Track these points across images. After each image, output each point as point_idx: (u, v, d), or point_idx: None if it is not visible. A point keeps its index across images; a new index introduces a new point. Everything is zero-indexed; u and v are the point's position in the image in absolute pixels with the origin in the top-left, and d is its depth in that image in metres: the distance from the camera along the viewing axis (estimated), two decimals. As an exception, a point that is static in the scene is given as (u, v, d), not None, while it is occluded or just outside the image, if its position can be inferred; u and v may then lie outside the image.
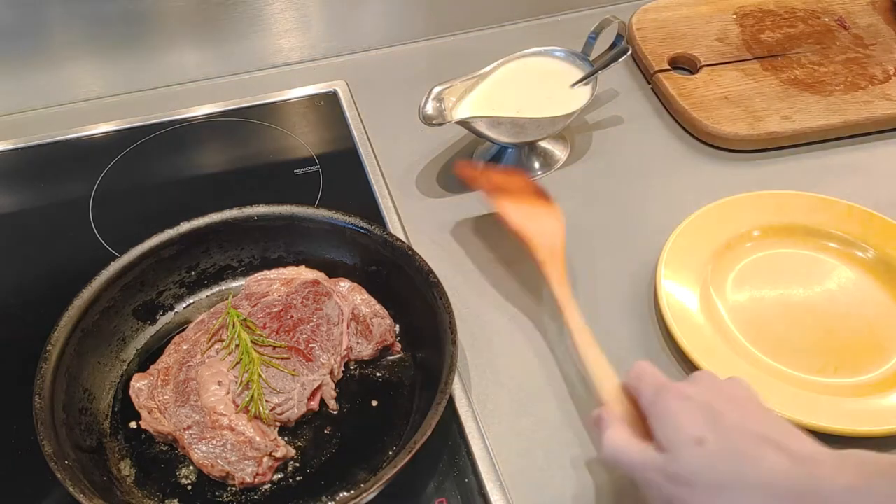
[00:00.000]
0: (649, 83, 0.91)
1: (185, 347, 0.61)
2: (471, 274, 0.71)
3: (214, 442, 0.55)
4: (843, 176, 0.80)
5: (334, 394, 0.60)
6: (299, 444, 0.58)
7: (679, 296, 0.66)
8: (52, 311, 0.67)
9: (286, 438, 0.58)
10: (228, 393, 0.57)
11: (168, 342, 0.63)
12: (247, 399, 0.56)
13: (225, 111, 0.88)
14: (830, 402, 0.59)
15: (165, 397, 0.58)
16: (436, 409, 0.53)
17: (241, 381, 0.57)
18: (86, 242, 0.73)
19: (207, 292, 0.68)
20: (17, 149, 0.84)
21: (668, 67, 0.90)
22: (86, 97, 0.89)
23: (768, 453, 0.43)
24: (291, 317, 0.62)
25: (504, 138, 0.77)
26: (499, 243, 0.73)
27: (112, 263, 0.62)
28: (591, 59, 0.82)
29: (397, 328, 0.64)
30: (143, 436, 0.58)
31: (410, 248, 0.64)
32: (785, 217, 0.72)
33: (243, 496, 0.55)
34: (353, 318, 0.63)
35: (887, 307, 0.67)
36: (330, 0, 0.92)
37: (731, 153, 0.82)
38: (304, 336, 0.61)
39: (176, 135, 0.85)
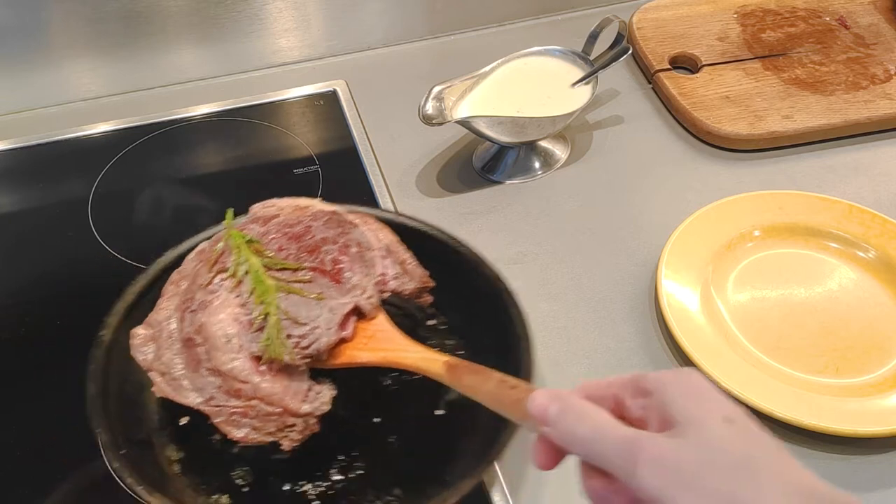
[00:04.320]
0: (650, 83, 0.91)
1: (183, 286, 0.53)
2: (471, 274, 0.71)
3: (246, 418, 0.48)
4: (844, 176, 0.80)
5: (377, 303, 0.52)
6: (361, 448, 0.54)
7: (680, 296, 0.66)
8: (51, 311, 0.68)
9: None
10: (242, 348, 0.48)
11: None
12: (263, 341, 0.47)
13: (224, 111, 0.87)
14: (832, 402, 0.59)
15: (174, 360, 0.50)
16: (510, 429, 0.49)
17: (257, 319, 0.48)
18: (85, 242, 0.73)
19: None
20: (15, 149, 0.83)
21: (669, 67, 0.89)
22: (84, 97, 0.89)
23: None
24: (313, 236, 0.52)
25: (504, 138, 0.76)
26: (499, 244, 0.73)
27: (167, 252, 0.60)
28: (591, 58, 0.82)
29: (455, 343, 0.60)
30: (194, 431, 0.54)
31: (477, 254, 0.60)
32: (786, 217, 0.72)
33: (298, 493, 0.53)
34: (388, 252, 0.55)
35: (888, 307, 0.67)
36: (329, -1, 0.92)
37: (731, 153, 0.82)
38: (330, 256, 0.51)
39: (175, 135, 0.85)
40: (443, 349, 0.55)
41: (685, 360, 0.63)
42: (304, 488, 0.54)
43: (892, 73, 0.88)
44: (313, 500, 0.53)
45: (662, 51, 0.91)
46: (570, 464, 0.58)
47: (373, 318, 0.51)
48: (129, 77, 0.90)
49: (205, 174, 0.82)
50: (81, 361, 0.63)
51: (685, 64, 0.91)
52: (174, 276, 0.56)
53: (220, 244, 0.52)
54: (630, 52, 0.81)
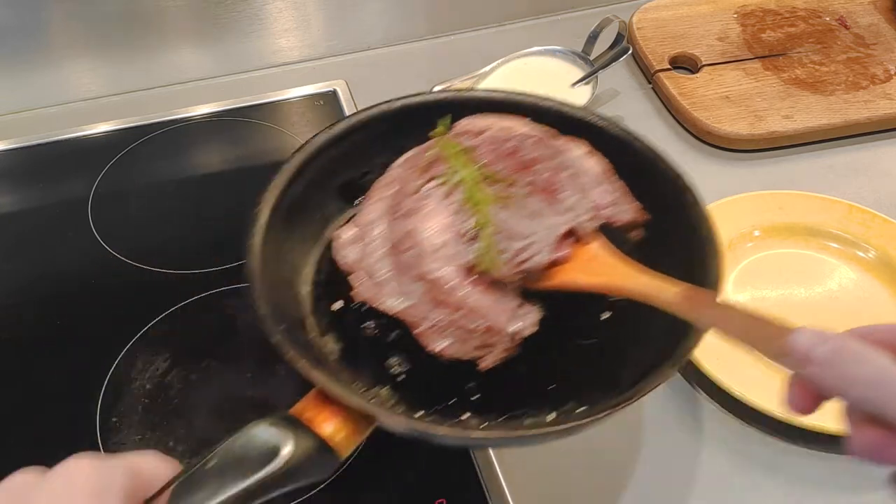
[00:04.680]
0: (650, 83, 0.91)
1: (392, 191, 0.52)
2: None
3: (448, 330, 0.47)
4: (844, 176, 0.80)
5: (596, 225, 0.49)
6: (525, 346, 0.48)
7: (680, 296, 0.66)
8: (51, 311, 0.68)
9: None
10: (452, 257, 0.47)
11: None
12: (477, 251, 0.45)
13: (224, 111, 0.87)
14: (831, 402, 0.59)
15: (380, 263, 0.49)
16: (696, 334, 0.45)
17: (470, 229, 0.46)
18: (84, 242, 0.73)
19: None
20: (15, 149, 0.83)
21: (669, 67, 0.89)
22: (84, 97, 0.89)
23: None
24: (525, 154, 0.50)
25: (504, 138, 0.76)
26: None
27: (322, 132, 0.58)
28: (591, 58, 0.82)
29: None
30: (346, 317, 0.53)
31: (655, 151, 0.56)
32: (786, 217, 0.72)
33: (454, 389, 0.50)
34: (601, 179, 0.52)
35: (889, 307, 0.67)
36: (329, -1, 0.92)
37: (731, 153, 0.82)
38: (544, 176, 0.49)
39: (175, 134, 0.85)
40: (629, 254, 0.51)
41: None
42: (462, 381, 0.51)
43: (892, 73, 0.88)
44: (473, 394, 0.50)
45: (662, 51, 0.91)
46: (571, 463, 0.58)
47: (588, 244, 0.48)
48: (129, 77, 0.90)
49: (205, 174, 0.82)
50: (81, 361, 0.63)
51: (685, 64, 0.91)
52: (382, 180, 0.54)
53: (431, 152, 0.50)
54: (630, 52, 0.81)
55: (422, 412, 0.49)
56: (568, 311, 0.51)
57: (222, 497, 0.37)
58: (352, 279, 0.51)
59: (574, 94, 0.79)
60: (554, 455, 0.58)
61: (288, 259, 0.55)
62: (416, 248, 0.47)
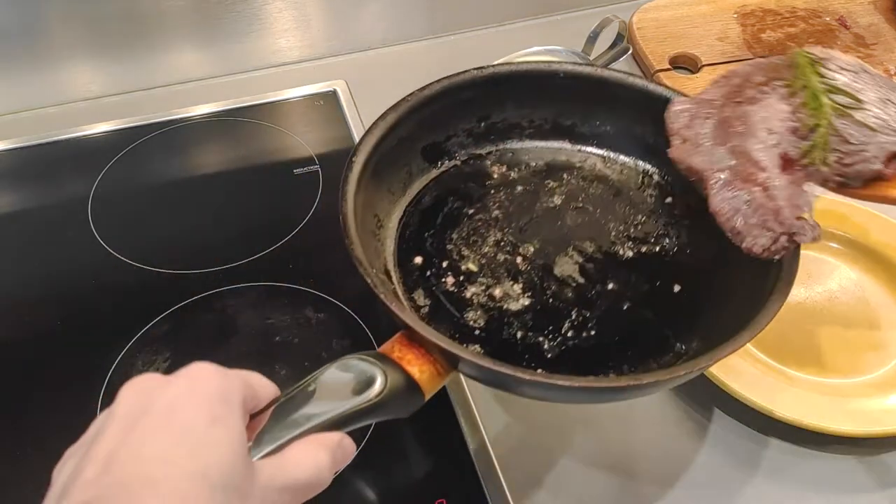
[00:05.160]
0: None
1: (735, 81, 0.55)
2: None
3: (739, 195, 0.50)
4: None
5: None
6: (596, 311, 0.55)
7: (680, 296, 0.66)
8: (50, 312, 0.68)
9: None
10: (778, 144, 0.51)
11: (442, 195, 0.62)
12: (807, 146, 0.50)
13: (224, 111, 0.87)
14: (832, 402, 0.59)
15: (704, 131, 0.53)
16: (779, 296, 0.48)
17: (804, 128, 0.50)
18: (84, 242, 0.73)
19: (491, 148, 0.65)
20: (15, 149, 0.83)
21: (669, 67, 0.89)
22: (84, 97, 0.89)
23: None
24: (869, 82, 0.54)
25: (504, 138, 0.76)
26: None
27: (414, 94, 0.60)
28: (591, 58, 0.82)
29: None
30: (428, 273, 0.57)
31: None
32: (786, 217, 0.72)
33: (529, 346, 0.53)
34: None
35: (888, 308, 0.67)
36: (329, -1, 0.92)
37: (731, 153, 0.82)
38: (884, 102, 0.52)
39: (175, 135, 0.85)
40: (694, 229, 0.59)
41: (685, 360, 0.63)
42: (538, 339, 0.54)
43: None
44: (547, 352, 0.53)
45: (662, 51, 0.91)
46: (571, 464, 0.58)
47: None
48: (129, 77, 0.90)
49: (205, 174, 0.82)
50: (81, 361, 0.63)
51: (685, 64, 0.91)
52: (726, 72, 0.57)
53: (782, 58, 0.54)
54: (630, 52, 0.81)
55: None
56: (640, 281, 0.57)
57: (319, 420, 0.40)
58: (672, 140, 0.55)
59: (574, 94, 0.80)
60: (554, 455, 0.58)
61: (376, 212, 0.58)
62: (746, 127, 0.51)
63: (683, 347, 0.54)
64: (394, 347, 0.46)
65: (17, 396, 0.62)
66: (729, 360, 0.61)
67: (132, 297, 0.69)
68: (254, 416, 0.39)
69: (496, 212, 0.62)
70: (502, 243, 0.60)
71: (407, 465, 0.57)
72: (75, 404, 0.60)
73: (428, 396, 0.46)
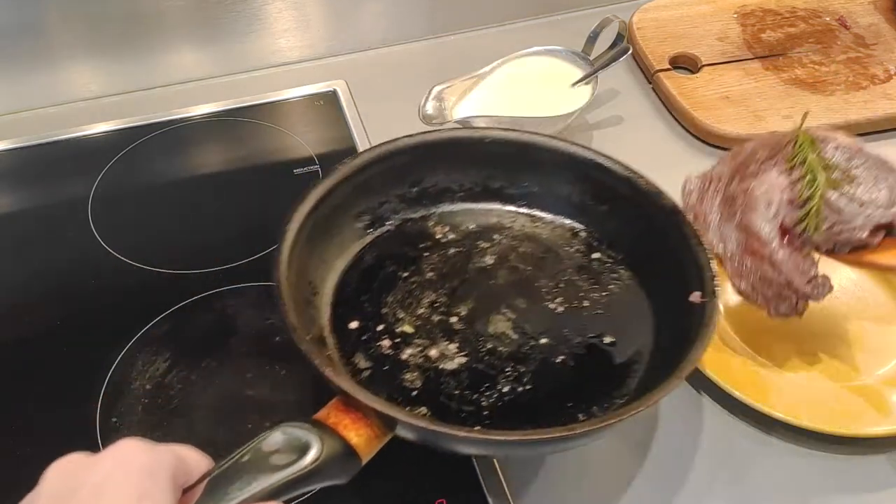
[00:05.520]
0: (650, 83, 0.91)
1: (741, 159, 0.60)
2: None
3: (753, 274, 0.56)
4: None
5: None
6: (531, 366, 0.57)
7: (680, 296, 0.66)
8: (50, 312, 0.68)
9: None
10: (776, 216, 0.56)
11: (376, 259, 0.63)
12: (802, 214, 0.55)
13: (224, 111, 0.87)
14: (832, 402, 0.59)
15: (713, 208, 0.59)
16: (701, 342, 0.51)
17: (800, 197, 0.56)
18: (84, 242, 0.73)
19: (423, 212, 0.67)
20: (15, 149, 0.83)
21: (669, 67, 0.89)
22: (84, 97, 0.89)
23: None
24: (863, 163, 0.58)
25: (504, 138, 0.76)
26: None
27: (349, 161, 0.62)
28: (591, 58, 0.82)
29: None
30: (364, 337, 0.58)
31: (655, 186, 0.62)
32: (786, 217, 0.72)
33: (466, 403, 0.54)
34: None
35: (888, 308, 0.67)
36: (329, -1, 0.92)
37: (731, 153, 0.82)
38: (875, 180, 0.57)
39: (175, 135, 0.85)
40: (622, 281, 0.63)
41: (685, 360, 0.63)
42: (475, 397, 0.55)
43: (892, 73, 0.88)
44: (484, 409, 0.54)
45: (662, 51, 0.91)
46: (571, 464, 0.58)
47: None
48: (129, 77, 0.90)
49: (205, 174, 0.82)
50: (81, 362, 0.63)
51: (685, 64, 0.91)
52: (734, 150, 0.62)
53: (784, 135, 0.60)
54: (630, 52, 0.81)
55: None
56: (573, 335, 0.59)
57: (254, 491, 0.40)
58: (686, 213, 0.60)
59: (574, 94, 0.79)
60: (554, 455, 0.58)
61: (309, 278, 0.59)
62: (747, 202, 0.57)
63: (621, 393, 0.55)
64: (329, 413, 0.46)
65: (17, 396, 0.62)
66: (729, 361, 0.61)
67: (132, 297, 0.69)
68: (186, 491, 0.38)
69: (430, 274, 0.63)
70: (437, 304, 0.61)
71: (407, 465, 0.57)
72: (75, 404, 0.60)
73: (365, 460, 0.46)
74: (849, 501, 0.56)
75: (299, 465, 0.42)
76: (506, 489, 0.56)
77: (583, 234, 0.66)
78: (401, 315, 0.60)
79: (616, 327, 0.60)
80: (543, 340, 0.59)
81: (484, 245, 0.66)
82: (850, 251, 0.56)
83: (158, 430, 0.59)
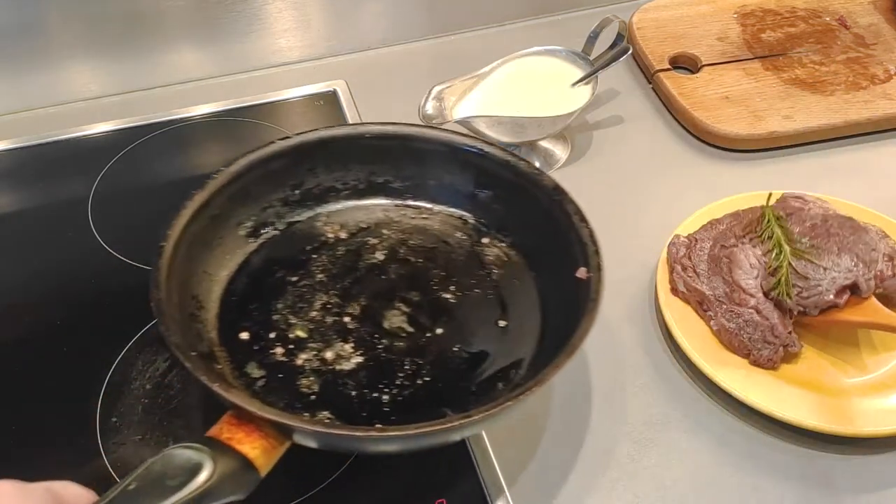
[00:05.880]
0: (650, 83, 0.91)
1: (720, 228, 0.67)
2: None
3: (739, 318, 0.61)
4: (844, 176, 0.80)
5: (872, 286, 0.61)
6: (428, 358, 0.57)
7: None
8: (50, 312, 0.68)
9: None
10: (757, 277, 0.62)
11: (263, 266, 0.62)
12: (774, 282, 0.61)
13: (224, 111, 0.87)
14: (832, 402, 0.59)
15: (700, 263, 0.64)
16: (590, 316, 0.52)
17: (769, 267, 0.62)
18: (85, 242, 0.73)
19: (308, 213, 0.66)
20: (15, 149, 0.83)
21: (669, 67, 0.89)
22: (84, 97, 0.89)
23: None
24: (827, 230, 0.63)
25: (504, 138, 0.76)
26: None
27: (223, 170, 0.61)
28: (591, 58, 0.82)
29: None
30: (256, 347, 0.57)
31: (535, 167, 0.62)
32: (786, 217, 0.72)
33: (366, 402, 0.54)
34: (890, 257, 0.63)
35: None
36: (329, -1, 0.92)
37: (731, 153, 0.82)
38: (838, 246, 0.62)
39: (175, 134, 0.85)
40: (511, 264, 0.63)
41: (685, 360, 0.63)
42: (375, 395, 0.55)
43: (892, 73, 0.88)
44: (385, 405, 0.54)
45: (662, 51, 0.91)
46: (571, 464, 0.58)
47: (865, 299, 0.61)
48: (129, 77, 0.90)
49: (205, 174, 0.82)
50: (81, 362, 0.63)
51: (685, 64, 0.91)
52: (711, 222, 0.69)
53: (755, 215, 0.67)
54: (630, 52, 0.81)
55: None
56: (467, 322, 0.60)
57: None
58: (671, 264, 0.66)
59: (574, 94, 0.79)
60: (554, 455, 0.58)
61: (194, 293, 0.58)
62: (732, 263, 0.64)
63: (518, 374, 0.56)
64: (222, 429, 0.46)
65: (17, 396, 0.62)
66: (727, 360, 0.61)
67: (132, 297, 0.68)
68: None
69: (320, 275, 0.62)
70: (329, 306, 0.60)
71: (407, 465, 0.57)
72: (75, 404, 0.60)
73: (264, 473, 0.46)
74: (849, 501, 0.56)
75: (191, 486, 0.41)
76: (506, 489, 0.56)
77: (471, 221, 0.66)
78: (292, 320, 0.59)
79: (509, 310, 0.60)
80: (439, 331, 0.59)
81: (373, 241, 0.65)
82: (820, 313, 0.61)
83: (158, 429, 0.59)
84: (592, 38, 0.82)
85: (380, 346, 0.58)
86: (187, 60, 0.91)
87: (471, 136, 0.65)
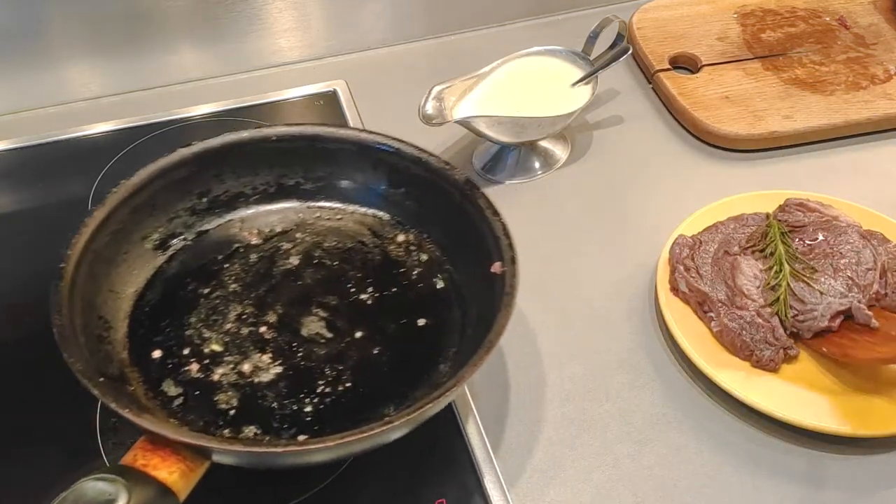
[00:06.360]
0: (650, 83, 0.91)
1: (725, 232, 0.67)
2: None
3: (742, 318, 0.61)
4: (844, 176, 0.80)
5: (870, 314, 0.61)
6: (349, 363, 0.57)
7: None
8: (50, 312, 0.68)
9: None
10: (759, 287, 0.63)
11: (173, 279, 0.61)
12: (773, 298, 0.62)
13: (224, 111, 0.87)
14: (832, 402, 0.59)
15: (703, 265, 0.64)
16: (506, 311, 0.51)
17: (769, 283, 0.63)
18: (84, 242, 0.73)
19: (218, 221, 0.65)
20: (15, 149, 0.83)
21: (669, 67, 0.89)
22: (84, 97, 0.89)
23: None
24: (824, 251, 0.64)
25: (504, 138, 0.76)
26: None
27: (123, 183, 0.59)
28: (591, 58, 0.82)
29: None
30: (170, 364, 0.56)
31: (446, 162, 0.62)
32: (786, 217, 0.72)
33: (288, 414, 0.54)
34: (882, 273, 0.64)
35: (889, 307, 0.67)
36: (329, -1, 0.92)
37: (731, 153, 0.82)
38: (834, 267, 0.63)
39: (175, 134, 0.85)
40: (428, 261, 0.63)
41: (685, 360, 0.63)
42: (296, 406, 0.54)
43: (892, 73, 0.88)
44: (307, 415, 0.54)
45: (662, 51, 0.91)
46: (570, 464, 0.58)
47: (860, 323, 0.61)
48: (129, 77, 0.90)
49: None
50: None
51: (685, 64, 0.91)
52: (715, 224, 0.69)
53: (759, 227, 0.68)
54: (630, 52, 0.81)
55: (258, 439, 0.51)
56: (387, 323, 0.59)
57: None
58: (674, 265, 0.66)
59: (574, 94, 0.79)
60: (554, 455, 0.58)
61: (101, 314, 0.56)
62: (734, 270, 0.64)
63: (440, 372, 0.56)
64: (136, 456, 0.44)
65: (17, 396, 0.62)
66: (727, 360, 0.61)
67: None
68: None
69: (233, 286, 0.61)
70: (244, 316, 0.59)
71: (407, 465, 0.57)
72: (75, 405, 0.60)
73: (183, 497, 0.44)
74: (849, 501, 0.56)
75: None
76: (505, 489, 0.56)
77: (385, 218, 0.66)
78: (207, 334, 0.58)
79: (427, 308, 0.60)
80: (359, 334, 0.58)
81: (287, 246, 0.64)
82: (813, 336, 0.62)
83: (158, 430, 0.59)
84: (592, 38, 0.82)
85: (299, 355, 0.57)
86: (187, 60, 0.91)
87: (379, 134, 0.64)
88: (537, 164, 0.81)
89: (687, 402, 0.62)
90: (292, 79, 0.92)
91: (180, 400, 0.54)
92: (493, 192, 0.78)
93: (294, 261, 0.63)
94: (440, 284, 0.62)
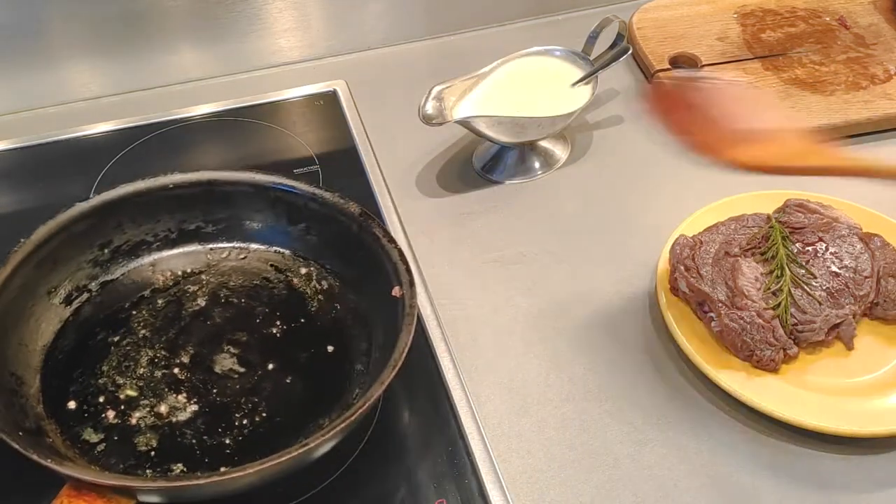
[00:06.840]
0: (650, 83, 0.91)
1: (725, 233, 0.67)
2: (470, 274, 0.71)
3: (742, 318, 0.61)
4: (844, 175, 0.80)
5: (855, 334, 0.63)
6: (264, 394, 0.59)
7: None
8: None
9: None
10: (760, 289, 0.63)
11: (82, 330, 0.62)
12: (774, 303, 0.62)
13: (224, 111, 0.87)
14: (832, 402, 0.59)
15: (704, 266, 0.64)
16: (407, 330, 0.54)
17: (769, 287, 0.63)
18: (84, 242, 0.73)
19: (122, 270, 0.66)
20: (15, 149, 0.83)
21: (669, 67, 0.89)
22: (84, 97, 0.89)
23: None
24: (824, 259, 0.65)
25: (504, 138, 0.76)
26: (499, 244, 0.73)
27: (25, 240, 0.61)
28: (591, 58, 0.82)
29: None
30: (87, 413, 0.57)
31: (341, 196, 0.64)
32: (786, 217, 0.72)
33: (209, 448, 0.55)
34: (883, 275, 0.65)
35: (889, 307, 0.67)
36: (329, -1, 0.92)
37: (731, 153, 0.82)
38: (835, 274, 0.64)
39: (175, 134, 0.85)
40: (330, 291, 0.65)
41: (685, 360, 0.63)
42: (216, 440, 0.56)
43: (892, 73, 0.88)
44: (228, 448, 0.56)
45: (662, 51, 0.91)
46: (570, 464, 0.58)
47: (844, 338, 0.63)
48: (129, 77, 0.90)
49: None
50: (81, 362, 0.63)
51: (685, 64, 0.91)
52: (716, 224, 0.68)
53: (761, 230, 0.67)
54: (630, 52, 0.81)
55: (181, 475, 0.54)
56: (296, 353, 0.62)
57: None
58: (674, 265, 0.65)
59: (574, 94, 0.79)
60: (554, 455, 0.58)
61: (12, 370, 0.57)
62: (734, 271, 0.64)
63: (352, 394, 0.58)
64: (62, 502, 0.46)
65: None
66: (727, 360, 0.61)
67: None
68: None
69: (143, 331, 0.63)
70: (156, 360, 0.61)
71: (407, 465, 0.57)
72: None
73: None
74: (848, 501, 0.56)
75: None
76: (505, 489, 0.56)
77: (287, 254, 0.67)
78: (120, 381, 0.59)
79: (334, 335, 0.62)
80: (271, 366, 0.61)
81: (193, 288, 0.66)
82: (805, 347, 0.62)
83: (158, 430, 0.59)
84: (592, 38, 0.82)
85: (214, 391, 0.59)
86: (187, 60, 0.91)
87: (274, 174, 0.66)
88: (537, 164, 0.81)
89: (687, 402, 0.62)
90: (292, 79, 0.92)
91: (101, 447, 0.56)
92: (494, 192, 0.78)
93: (202, 302, 0.65)
94: (345, 311, 0.64)
